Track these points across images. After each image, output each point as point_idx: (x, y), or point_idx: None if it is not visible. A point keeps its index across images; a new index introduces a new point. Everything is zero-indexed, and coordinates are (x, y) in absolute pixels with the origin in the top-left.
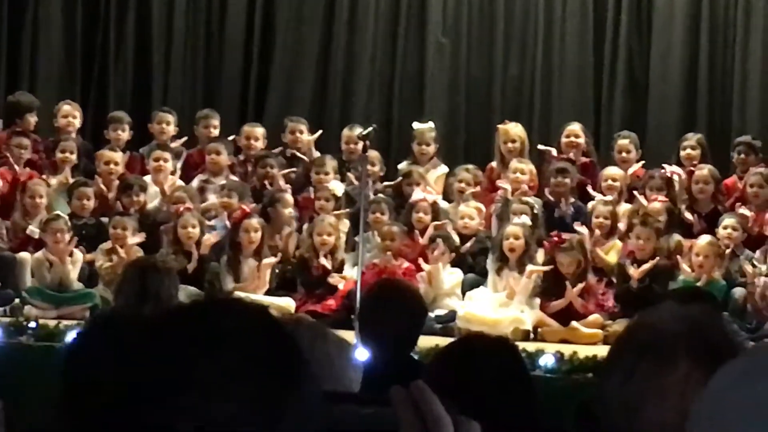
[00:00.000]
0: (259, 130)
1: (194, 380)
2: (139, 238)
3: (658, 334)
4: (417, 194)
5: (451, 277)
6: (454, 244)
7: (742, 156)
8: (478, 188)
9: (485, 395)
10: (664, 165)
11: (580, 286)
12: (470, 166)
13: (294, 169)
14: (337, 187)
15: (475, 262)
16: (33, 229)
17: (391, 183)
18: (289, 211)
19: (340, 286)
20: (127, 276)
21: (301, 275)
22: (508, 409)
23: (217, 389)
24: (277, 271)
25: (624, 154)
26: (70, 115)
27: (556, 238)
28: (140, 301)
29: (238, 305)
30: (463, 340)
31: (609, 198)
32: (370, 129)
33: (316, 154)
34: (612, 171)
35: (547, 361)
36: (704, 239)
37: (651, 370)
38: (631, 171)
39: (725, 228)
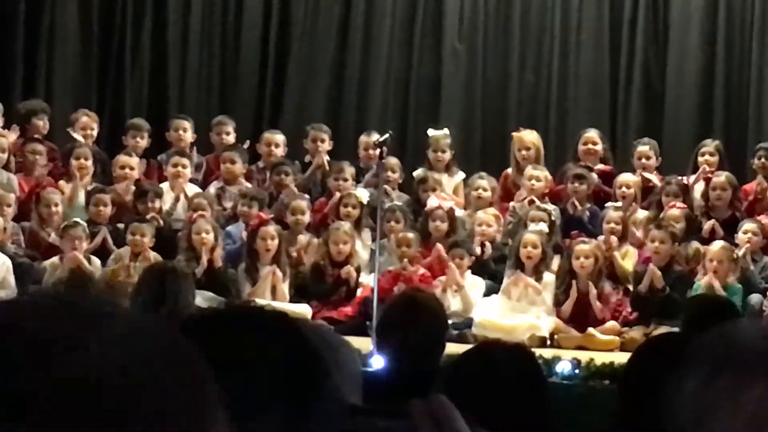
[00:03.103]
0: (280, 137)
1: (228, 397)
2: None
3: (738, 350)
4: (432, 201)
5: (475, 291)
6: (472, 251)
7: (762, 161)
8: (495, 197)
9: (502, 402)
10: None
11: (594, 292)
12: (484, 174)
13: (304, 175)
14: (363, 195)
15: (495, 268)
16: (56, 238)
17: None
18: (298, 218)
19: (356, 287)
20: (146, 279)
21: (314, 283)
22: (525, 415)
23: (253, 407)
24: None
25: (644, 161)
26: (88, 126)
27: (575, 236)
28: (158, 304)
29: (259, 315)
30: (480, 347)
31: (619, 204)
32: (386, 136)
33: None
34: (626, 178)
35: (563, 367)
36: (717, 244)
37: (727, 385)
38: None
39: (745, 233)
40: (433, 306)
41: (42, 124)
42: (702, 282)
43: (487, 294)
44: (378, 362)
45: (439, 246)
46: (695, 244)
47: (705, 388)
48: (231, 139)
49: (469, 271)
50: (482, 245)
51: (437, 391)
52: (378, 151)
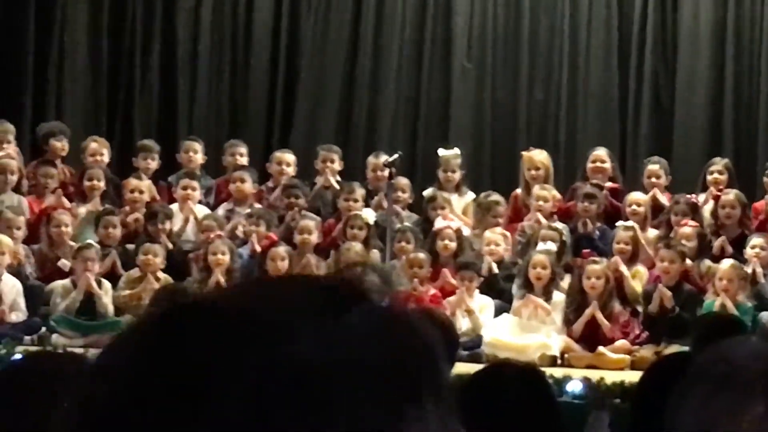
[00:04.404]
0: (290, 157)
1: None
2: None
3: (736, 370)
4: (440, 222)
5: (485, 311)
6: (481, 269)
7: None
8: (504, 216)
9: (513, 423)
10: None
11: (599, 313)
12: (501, 200)
13: (309, 194)
14: (369, 215)
15: (504, 286)
16: (64, 262)
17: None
18: (305, 238)
19: None
20: (158, 300)
21: None
22: None
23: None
24: None
25: (654, 179)
26: (98, 153)
27: (586, 255)
28: None
29: None
30: (489, 367)
31: (630, 223)
32: (396, 156)
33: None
34: (636, 196)
35: (574, 387)
36: (727, 263)
37: (727, 405)
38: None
39: (753, 248)
40: (442, 322)
41: (60, 145)
42: (716, 303)
43: (496, 312)
44: None
45: (446, 271)
46: (708, 263)
47: (705, 406)
48: (244, 161)
49: (478, 290)
50: (489, 268)
51: None
52: (388, 171)
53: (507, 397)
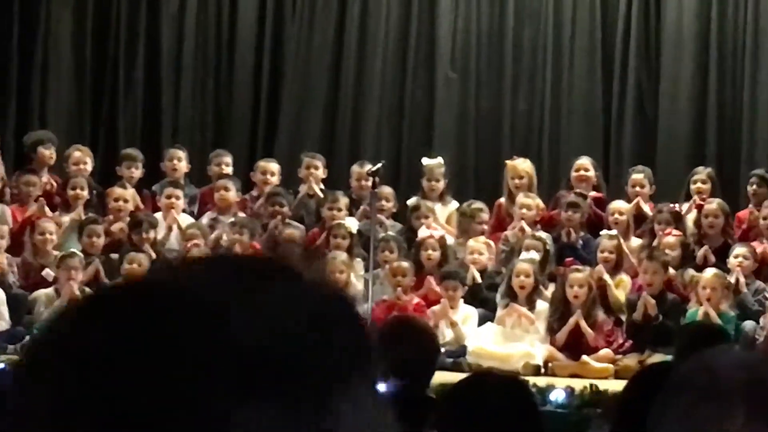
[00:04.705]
0: (275, 166)
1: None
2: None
3: (719, 379)
4: (424, 231)
5: (469, 322)
6: (465, 279)
7: (755, 188)
8: (488, 225)
9: None
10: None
11: (584, 322)
12: (483, 207)
13: (293, 202)
14: (353, 224)
15: (487, 295)
16: (48, 272)
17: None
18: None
19: None
20: None
21: None
22: None
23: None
24: None
25: (638, 189)
26: (81, 161)
27: (569, 263)
28: None
29: None
30: (472, 377)
31: (614, 232)
32: (379, 165)
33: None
34: (618, 205)
35: (557, 396)
36: (710, 272)
37: (709, 414)
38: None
39: (736, 257)
40: (422, 326)
41: (48, 153)
42: (699, 312)
43: (480, 322)
44: None
45: (431, 279)
46: (691, 272)
47: (688, 415)
48: (229, 170)
49: (462, 300)
50: (472, 277)
51: (430, 425)
52: (371, 180)
53: (490, 407)
